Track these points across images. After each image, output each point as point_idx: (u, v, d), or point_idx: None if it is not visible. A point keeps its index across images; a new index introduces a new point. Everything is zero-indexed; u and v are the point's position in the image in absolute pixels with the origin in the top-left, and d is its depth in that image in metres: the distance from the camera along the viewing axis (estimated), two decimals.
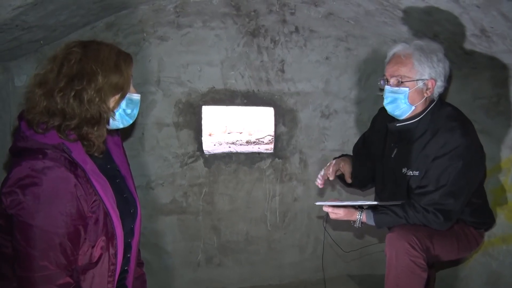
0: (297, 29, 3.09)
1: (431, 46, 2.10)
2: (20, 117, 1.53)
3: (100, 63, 1.52)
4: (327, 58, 3.16)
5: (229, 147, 3.53)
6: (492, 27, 2.16)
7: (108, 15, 2.77)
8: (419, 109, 2.14)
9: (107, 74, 1.53)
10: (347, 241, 3.21)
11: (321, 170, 2.39)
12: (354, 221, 2.14)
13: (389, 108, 2.18)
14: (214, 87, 3.03)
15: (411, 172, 2.12)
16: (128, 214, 1.70)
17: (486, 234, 2.48)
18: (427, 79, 2.08)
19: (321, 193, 3.28)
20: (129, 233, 1.70)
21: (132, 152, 2.88)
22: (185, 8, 2.92)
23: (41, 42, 2.55)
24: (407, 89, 2.09)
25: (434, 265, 2.52)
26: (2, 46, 2.30)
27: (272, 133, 3.29)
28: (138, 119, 2.88)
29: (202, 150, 3.09)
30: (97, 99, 1.51)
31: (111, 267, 1.57)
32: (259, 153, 3.23)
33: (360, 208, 2.14)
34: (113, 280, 1.59)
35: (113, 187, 1.60)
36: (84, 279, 1.52)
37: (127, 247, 1.70)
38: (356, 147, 2.65)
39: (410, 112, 2.14)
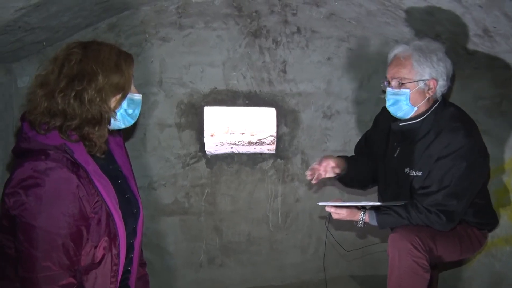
0: (299, 30, 3.09)
1: (431, 46, 2.10)
2: (23, 118, 1.53)
3: (100, 63, 1.52)
4: (329, 58, 3.16)
5: (231, 147, 3.53)
6: (495, 27, 2.15)
7: (110, 16, 2.78)
8: (422, 109, 2.14)
9: (108, 74, 1.53)
10: (349, 241, 3.20)
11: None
12: (357, 221, 2.14)
13: (391, 110, 2.18)
14: (216, 88, 3.03)
15: (414, 173, 2.12)
16: (131, 214, 1.70)
17: (489, 235, 2.47)
18: (428, 79, 2.08)
19: (323, 193, 3.27)
20: (131, 233, 1.70)
21: (134, 152, 2.89)
22: (187, 9, 2.92)
23: (44, 43, 2.55)
24: (408, 90, 2.09)
25: (437, 266, 2.52)
26: (5, 48, 2.30)
27: (274, 133, 3.29)
28: (140, 119, 2.89)
29: (204, 151, 3.09)
30: (97, 99, 1.51)
31: (114, 268, 1.57)
32: (261, 153, 3.23)
33: (362, 208, 2.14)
34: (116, 280, 1.59)
35: (115, 188, 1.61)
36: (87, 280, 1.52)
37: (130, 247, 1.70)
38: (358, 146, 2.65)
39: (412, 113, 2.14)
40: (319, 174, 2.36)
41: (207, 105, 3.05)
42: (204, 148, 3.09)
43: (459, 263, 2.87)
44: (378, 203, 2.14)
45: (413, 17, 2.53)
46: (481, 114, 2.69)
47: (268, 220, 3.24)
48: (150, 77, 2.92)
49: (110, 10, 2.66)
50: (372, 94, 3.24)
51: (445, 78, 2.10)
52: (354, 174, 2.43)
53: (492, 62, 2.53)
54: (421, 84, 2.08)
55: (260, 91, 3.10)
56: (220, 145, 3.64)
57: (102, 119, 1.54)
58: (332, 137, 3.26)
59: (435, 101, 2.16)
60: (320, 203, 2.17)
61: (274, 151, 3.24)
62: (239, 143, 3.82)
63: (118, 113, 1.62)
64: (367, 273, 3.41)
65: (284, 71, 3.11)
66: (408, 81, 2.08)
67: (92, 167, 1.51)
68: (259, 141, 3.90)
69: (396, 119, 2.23)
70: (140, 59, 2.86)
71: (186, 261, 3.14)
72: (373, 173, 2.49)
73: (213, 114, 4.15)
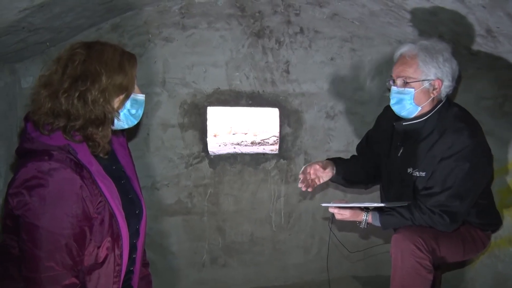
0: (301, 30, 3.09)
1: (437, 46, 2.09)
2: (26, 118, 1.53)
3: (104, 63, 1.53)
4: (332, 59, 3.16)
5: (234, 148, 3.53)
6: (498, 27, 2.15)
7: (113, 17, 2.79)
8: (426, 109, 2.13)
9: (111, 75, 1.53)
10: (352, 242, 3.20)
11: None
12: (360, 222, 2.14)
13: (395, 109, 2.18)
14: (219, 88, 3.03)
15: (417, 173, 2.12)
16: (134, 215, 1.71)
17: (492, 235, 2.46)
18: (433, 79, 2.07)
19: (326, 194, 3.27)
20: (134, 233, 1.70)
21: (137, 152, 2.89)
22: (190, 9, 2.92)
23: (47, 43, 2.56)
24: (413, 89, 2.08)
25: (440, 266, 2.51)
26: (9, 48, 2.31)
27: (277, 134, 3.29)
28: (143, 120, 2.89)
29: (207, 151, 3.09)
30: (101, 100, 1.51)
31: (117, 268, 1.57)
32: (264, 154, 3.23)
33: (366, 209, 2.14)
34: (119, 280, 1.59)
35: (118, 188, 1.61)
36: (89, 280, 1.52)
37: (133, 247, 1.70)
38: (360, 146, 2.64)
39: (416, 112, 2.13)
40: (313, 181, 2.35)
41: (210, 105, 3.05)
42: (207, 148, 3.09)
43: (462, 264, 2.86)
44: (381, 204, 2.14)
45: (416, 17, 2.53)
46: (484, 114, 2.69)
47: (271, 220, 3.24)
48: (153, 77, 2.92)
49: (114, 11, 2.67)
50: (375, 95, 3.23)
51: (450, 78, 2.09)
52: (347, 175, 2.42)
53: (495, 63, 2.52)
54: (426, 84, 2.08)
55: (263, 91, 3.10)
56: (223, 145, 3.64)
57: (106, 119, 1.54)
58: (335, 138, 3.26)
59: (439, 101, 2.15)
60: (323, 204, 2.17)
61: (277, 152, 3.25)
62: (242, 143, 3.83)
63: (121, 114, 1.62)
64: (370, 273, 3.41)
65: (287, 72, 3.11)
66: (413, 80, 2.08)
67: (95, 168, 1.52)
68: (262, 141, 3.90)
69: (399, 119, 2.23)
70: (143, 59, 2.87)
71: (189, 261, 3.15)
72: (371, 173, 2.49)
73: (216, 114, 4.15)
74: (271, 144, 3.76)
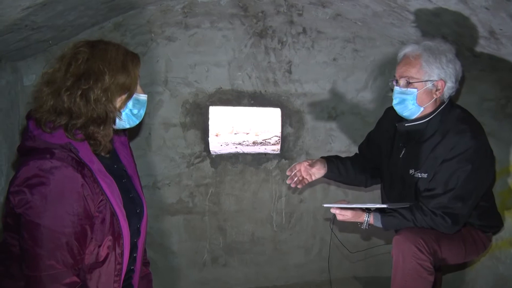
0: (304, 30, 3.09)
1: (441, 47, 2.08)
2: (28, 116, 1.53)
3: (107, 62, 1.53)
4: (334, 59, 3.16)
5: (236, 147, 3.53)
6: (501, 29, 2.14)
7: (116, 16, 2.79)
8: (429, 110, 2.13)
9: (114, 74, 1.53)
10: (353, 243, 3.20)
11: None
12: (361, 223, 2.13)
13: (397, 109, 2.17)
14: (221, 88, 3.03)
15: (419, 174, 2.11)
16: (135, 214, 1.71)
17: (494, 237, 2.46)
18: (436, 80, 2.06)
19: (327, 194, 3.27)
20: (135, 232, 1.71)
21: (139, 152, 2.90)
22: (193, 9, 2.92)
23: (50, 42, 2.56)
24: (416, 90, 2.08)
25: (441, 268, 2.51)
26: (11, 46, 2.32)
27: (279, 134, 3.29)
28: (145, 119, 2.90)
29: (209, 151, 3.09)
30: (103, 99, 1.51)
31: (117, 267, 1.57)
32: (265, 153, 3.23)
33: (367, 210, 2.14)
34: (119, 279, 1.59)
35: (119, 187, 1.61)
36: (90, 278, 1.52)
37: (133, 246, 1.70)
38: (361, 146, 2.65)
39: (418, 113, 2.13)
40: (304, 179, 2.37)
41: (212, 105, 3.05)
42: (208, 148, 3.09)
43: (462, 266, 2.86)
44: (383, 205, 2.13)
45: (419, 18, 2.53)
46: (487, 116, 2.69)
47: (272, 220, 3.24)
48: (155, 76, 2.92)
49: (116, 9, 2.67)
50: (378, 95, 3.23)
51: (453, 80, 2.09)
52: (342, 172, 2.43)
53: (498, 64, 2.52)
54: (429, 85, 2.07)
55: (265, 91, 3.10)
56: (225, 145, 3.64)
57: (108, 118, 1.54)
58: (337, 138, 3.26)
59: (441, 103, 2.14)
60: (325, 205, 2.17)
61: (278, 152, 3.25)
62: (244, 143, 3.83)
63: (123, 113, 1.62)
64: (371, 274, 3.41)
65: (290, 72, 3.11)
66: (416, 80, 2.07)
67: (97, 166, 1.52)
68: (264, 141, 3.90)
69: (401, 119, 2.22)
70: (146, 58, 2.87)
71: (189, 261, 3.15)
72: (370, 173, 2.49)
73: (218, 114, 4.15)
74: (272, 144, 3.76)
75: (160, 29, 2.89)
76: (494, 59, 2.49)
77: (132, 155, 1.87)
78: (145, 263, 1.96)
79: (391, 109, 2.28)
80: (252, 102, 3.09)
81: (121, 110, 1.61)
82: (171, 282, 3.13)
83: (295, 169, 2.37)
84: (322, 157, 2.46)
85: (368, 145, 2.56)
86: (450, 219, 1.98)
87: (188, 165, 3.05)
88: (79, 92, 1.47)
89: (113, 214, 1.54)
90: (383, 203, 2.39)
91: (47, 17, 2.15)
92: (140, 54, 1.77)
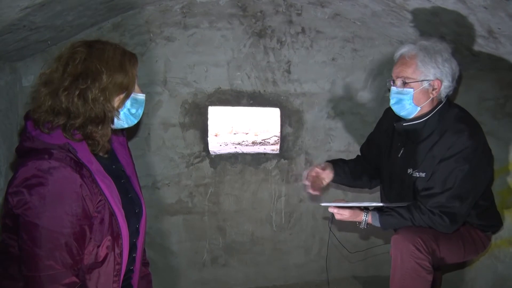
0: (303, 30, 3.09)
1: (437, 46, 2.08)
2: (26, 117, 1.53)
3: (104, 62, 1.53)
4: (333, 59, 3.16)
5: (235, 147, 3.53)
6: (500, 28, 2.15)
7: (115, 16, 2.79)
8: (426, 110, 2.13)
9: (112, 74, 1.53)
10: (352, 242, 3.20)
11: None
12: (360, 222, 2.14)
13: (395, 109, 2.18)
14: (220, 88, 3.03)
15: (417, 173, 2.12)
16: (133, 214, 1.71)
17: (493, 236, 2.46)
18: (432, 80, 2.07)
19: (326, 194, 3.27)
20: (134, 233, 1.70)
21: (138, 152, 2.90)
22: (192, 9, 2.92)
23: (49, 42, 2.56)
24: (412, 90, 2.08)
25: (440, 267, 2.51)
26: (10, 47, 2.31)
27: (278, 133, 3.29)
28: (144, 119, 2.90)
29: (208, 151, 3.09)
30: (101, 98, 1.51)
31: (117, 267, 1.57)
32: (265, 153, 3.23)
33: (365, 209, 2.14)
34: (119, 279, 1.59)
35: (118, 187, 1.61)
36: (89, 279, 1.52)
37: (133, 246, 1.70)
38: (363, 147, 2.65)
39: (415, 112, 2.13)
40: (319, 185, 2.37)
41: (211, 104, 3.05)
42: (208, 148, 3.09)
43: (462, 265, 2.86)
44: (381, 204, 2.14)
45: (417, 18, 2.53)
46: (486, 115, 2.69)
47: (272, 220, 3.24)
48: (154, 76, 2.92)
49: (115, 10, 2.67)
50: (377, 95, 3.23)
51: (450, 79, 2.09)
52: (348, 175, 2.44)
53: (497, 64, 2.52)
54: (425, 84, 2.07)
55: (265, 91, 3.10)
56: (224, 145, 3.64)
57: (106, 118, 1.54)
58: (336, 138, 3.26)
59: (439, 102, 2.14)
60: (323, 204, 2.17)
61: (278, 151, 3.25)
62: (243, 143, 3.83)
63: (121, 113, 1.62)
64: (370, 274, 3.41)
65: (289, 71, 3.11)
66: (412, 80, 2.08)
67: (95, 167, 1.52)
68: (263, 141, 3.90)
69: (399, 119, 2.23)
70: (145, 58, 2.87)
71: (189, 261, 3.15)
72: (373, 173, 2.50)
73: (217, 114, 4.15)
74: (272, 144, 3.76)
75: (159, 29, 2.89)
76: (493, 58, 2.49)
77: (131, 155, 1.87)
78: (145, 263, 1.95)
79: (390, 109, 2.29)
80: (251, 102, 3.09)
81: (119, 110, 1.61)
82: (171, 282, 3.13)
83: (311, 176, 2.36)
84: (327, 161, 2.46)
85: (369, 146, 2.57)
86: (448, 218, 1.99)
87: (187, 165, 3.05)
88: (77, 92, 1.47)
89: (112, 214, 1.53)
90: (382, 202, 2.40)
91: (46, 17, 2.15)
92: (139, 54, 1.77)
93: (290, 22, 3.06)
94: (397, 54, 2.18)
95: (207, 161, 3.08)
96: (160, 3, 2.86)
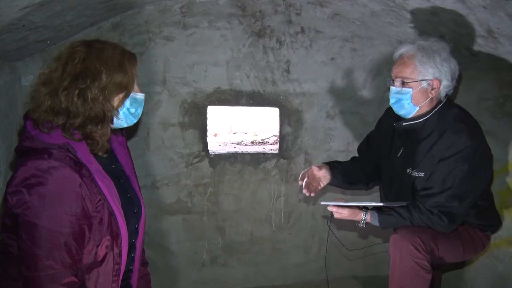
0: (302, 30, 3.09)
1: (435, 46, 2.08)
2: (26, 116, 1.53)
3: (104, 62, 1.53)
4: (332, 58, 3.16)
5: (234, 147, 3.53)
6: (499, 28, 2.15)
7: (114, 15, 2.79)
8: (425, 109, 2.13)
9: (111, 73, 1.53)
10: (351, 242, 3.20)
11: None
12: (359, 221, 2.14)
13: (394, 108, 2.19)
14: (219, 87, 3.03)
15: (416, 173, 2.12)
16: (133, 213, 1.71)
17: (492, 236, 2.46)
18: (431, 79, 2.07)
19: (325, 193, 3.27)
20: (133, 232, 1.70)
21: (137, 151, 2.90)
22: (191, 9, 2.92)
23: (48, 42, 2.56)
24: (411, 89, 2.08)
25: (439, 266, 2.51)
26: (9, 46, 2.31)
27: (277, 133, 3.29)
28: (144, 118, 2.90)
29: (207, 150, 3.09)
30: (101, 98, 1.51)
31: (116, 267, 1.57)
32: (264, 153, 3.23)
33: (365, 208, 2.14)
34: (118, 279, 1.59)
35: (117, 187, 1.61)
36: (89, 278, 1.52)
37: (132, 246, 1.70)
38: (360, 147, 2.65)
39: (414, 112, 2.14)
40: (315, 186, 2.37)
41: (210, 104, 3.05)
42: (207, 148, 3.09)
43: (461, 264, 2.86)
44: (380, 204, 2.14)
45: (417, 17, 2.53)
46: (485, 115, 2.69)
47: (271, 220, 3.24)
48: (153, 76, 2.92)
49: (114, 9, 2.67)
50: (376, 95, 3.23)
51: (449, 78, 2.09)
52: (345, 177, 2.43)
53: (496, 63, 2.52)
54: (424, 84, 2.07)
55: (264, 90, 3.10)
56: (223, 145, 3.64)
57: (105, 117, 1.54)
58: (336, 137, 3.26)
59: (439, 102, 2.14)
60: (322, 203, 2.17)
61: (277, 151, 3.25)
62: (242, 142, 3.83)
63: (121, 112, 1.62)
64: (369, 273, 3.41)
65: (288, 71, 3.11)
66: (411, 80, 2.08)
67: (94, 166, 1.52)
68: (262, 141, 3.90)
69: (399, 119, 2.23)
70: (144, 58, 2.87)
71: (188, 261, 3.15)
72: (371, 174, 2.49)
73: (216, 113, 4.15)
74: (271, 144, 3.76)
75: (158, 29, 2.89)
76: (492, 58, 2.49)
77: (130, 155, 1.87)
78: (144, 263, 1.95)
79: (391, 109, 2.29)
80: (251, 101, 3.09)
81: (119, 109, 1.60)
82: (170, 282, 3.13)
83: (306, 177, 2.35)
84: (324, 163, 2.45)
85: (369, 145, 2.56)
86: (446, 218, 1.99)
87: (186, 165, 3.05)
88: (77, 92, 1.47)
89: (111, 214, 1.53)
90: (381, 202, 2.40)
91: (45, 17, 2.15)
92: (138, 54, 1.77)
93: (290, 21, 3.06)
94: (396, 54, 2.18)
95: (206, 160, 3.08)
96: (159, 3, 2.86)
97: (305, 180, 2.32)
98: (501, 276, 2.62)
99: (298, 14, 3.06)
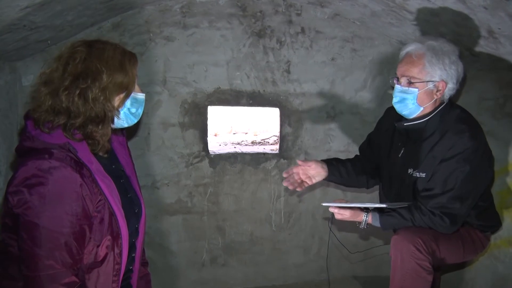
0: (303, 30, 3.09)
1: (445, 48, 2.06)
2: (26, 116, 1.53)
3: (104, 62, 1.53)
4: (332, 59, 3.16)
5: (235, 147, 3.53)
6: (499, 29, 2.15)
7: (114, 15, 2.78)
8: (428, 110, 2.12)
9: (112, 73, 1.53)
10: (352, 243, 3.20)
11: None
12: (360, 222, 2.13)
13: (397, 107, 2.16)
14: (219, 88, 3.03)
15: (417, 174, 2.11)
16: (133, 214, 1.71)
17: (492, 237, 2.46)
18: (437, 81, 2.05)
19: (326, 194, 3.27)
20: (133, 232, 1.71)
21: (137, 151, 2.90)
22: (191, 9, 2.92)
23: (48, 42, 2.56)
24: (417, 90, 2.06)
25: (439, 267, 2.51)
26: (10, 46, 2.31)
27: (278, 133, 3.29)
28: (144, 119, 2.90)
29: (208, 150, 3.09)
30: (101, 98, 1.51)
31: (116, 267, 1.57)
32: (264, 153, 3.23)
33: (366, 209, 2.14)
34: (118, 279, 1.59)
35: (118, 187, 1.61)
36: (89, 278, 1.52)
37: (132, 246, 1.70)
38: (362, 146, 2.64)
39: (418, 112, 2.12)
40: (304, 182, 2.37)
41: (210, 104, 3.05)
42: (207, 148, 3.09)
43: (461, 265, 2.86)
44: (382, 205, 2.13)
45: (417, 18, 2.53)
46: (485, 115, 2.69)
47: (271, 220, 3.24)
48: (154, 76, 2.92)
49: (115, 9, 2.67)
50: (376, 95, 3.23)
51: (455, 81, 2.07)
52: (343, 175, 2.43)
53: (497, 64, 2.52)
54: (430, 85, 2.06)
55: (264, 91, 3.10)
56: (224, 145, 3.64)
57: (106, 117, 1.54)
58: (336, 138, 3.26)
59: (441, 103, 2.14)
60: (323, 204, 2.16)
61: (277, 151, 3.25)
62: (243, 142, 3.83)
63: (121, 112, 1.62)
64: (370, 274, 3.41)
65: (288, 71, 3.11)
66: (418, 80, 2.06)
67: (95, 166, 1.52)
68: (263, 141, 3.90)
69: (400, 119, 2.22)
70: (144, 58, 2.87)
71: (188, 261, 3.15)
72: (372, 173, 2.49)
73: (216, 113, 4.15)
74: (271, 144, 3.76)
75: (158, 29, 2.89)
76: (492, 59, 2.49)
77: (130, 155, 1.87)
78: (144, 263, 1.96)
79: (391, 109, 2.28)
80: (251, 102, 3.09)
81: (119, 109, 1.61)
82: (170, 282, 3.13)
83: (292, 171, 2.37)
84: (322, 160, 2.45)
85: (369, 145, 2.56)
86: (448, 219, 1.99)
87: (186, 165, 3.05)
88: (77, 92, 1.47)
89: (112, 214, 1.54)
90: (381, 202, 2.39)
91: (46, 17, 2.15)
92: (138, 54, 1.77)
93: (290, 22, 3.06)
94: (403, 52, 2.14)
95: (206, 161, 3.08)
96: (160, 3, 2.86)
97: (287, 174, 2.36)
98: (501, 276, 2.62)
99: (298, 14, 3.06)
